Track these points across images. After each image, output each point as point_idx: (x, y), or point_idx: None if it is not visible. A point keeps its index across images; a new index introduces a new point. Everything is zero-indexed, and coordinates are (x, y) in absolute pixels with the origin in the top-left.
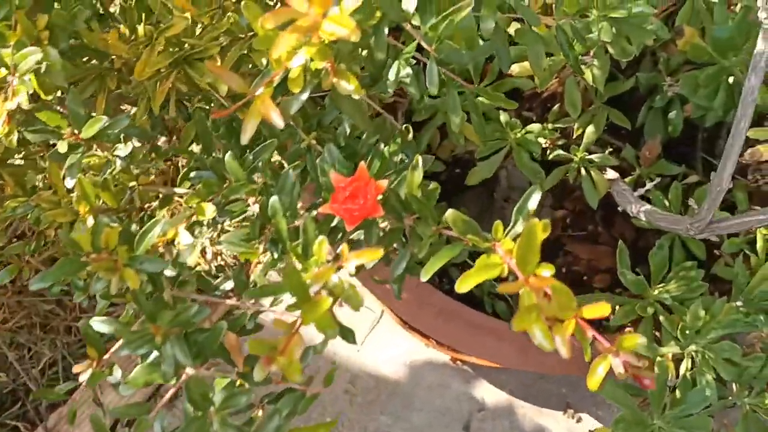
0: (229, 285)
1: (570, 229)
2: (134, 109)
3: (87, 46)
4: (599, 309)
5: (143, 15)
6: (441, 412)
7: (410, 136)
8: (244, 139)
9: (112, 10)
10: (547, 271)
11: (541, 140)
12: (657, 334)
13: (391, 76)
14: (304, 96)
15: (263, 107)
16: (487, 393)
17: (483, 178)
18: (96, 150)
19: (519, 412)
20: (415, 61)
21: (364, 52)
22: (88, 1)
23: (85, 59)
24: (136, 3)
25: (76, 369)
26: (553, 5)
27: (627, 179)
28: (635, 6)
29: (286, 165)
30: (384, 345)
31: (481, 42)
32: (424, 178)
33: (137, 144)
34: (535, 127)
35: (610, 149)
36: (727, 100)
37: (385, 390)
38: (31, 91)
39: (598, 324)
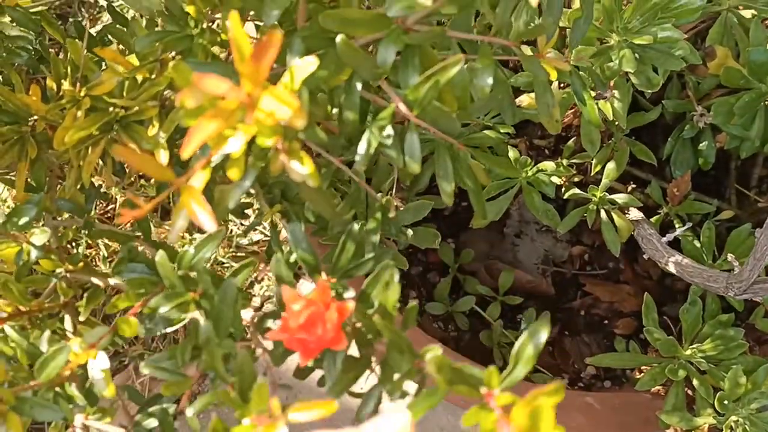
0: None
1: (589, 266)
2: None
3: (1, 106)
4: None
5: (68, 69)
6: None
7: (392, 211)
8: (172, 236)
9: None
10: None
11: (555, 179)
12: (689, 392)
13: (361, 149)
14: (247, 183)
15: (187, 199)
16: None
17: (489, 221)
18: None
19: None
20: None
21: (335, 111)
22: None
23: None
24: (62, 53)
25: None
26: (567, 40)
27: (653, 218)
28: (661, 30)
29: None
30: None
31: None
32: (426, 218)
33: (64, 221)
34: (549, 165)
35: (633, 185)
36: (765, 129)
37: None
38: None
39: (622, 375)
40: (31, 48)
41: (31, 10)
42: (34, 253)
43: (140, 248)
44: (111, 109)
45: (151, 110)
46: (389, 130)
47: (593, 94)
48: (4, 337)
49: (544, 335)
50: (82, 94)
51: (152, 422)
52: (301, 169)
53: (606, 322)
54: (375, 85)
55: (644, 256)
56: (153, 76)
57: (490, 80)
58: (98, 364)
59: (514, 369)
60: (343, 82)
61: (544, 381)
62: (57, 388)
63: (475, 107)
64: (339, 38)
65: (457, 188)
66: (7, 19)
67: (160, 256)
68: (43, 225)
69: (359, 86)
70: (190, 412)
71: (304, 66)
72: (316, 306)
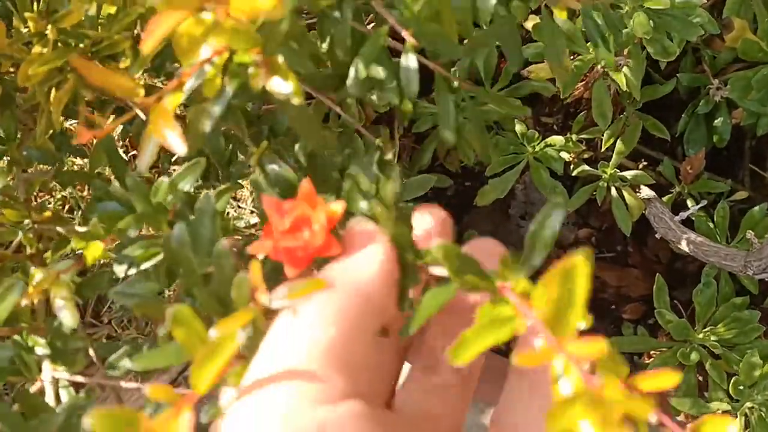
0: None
1: (596, 249)
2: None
3: None
4: (663, 379)
5: (35, 2)
6: None
7: (390, 154)
8: (141, 165)
9: None
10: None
11: (564, 154)
12: (700, 378)
13: (352, 75)
14: (219, 105)
15: (158, 124)
16: None
17: (494, 198)
18: None
19: None
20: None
21: (325, 45)
22: None
23: None
24: None
25: None
26: None
27: (665, 198)
28: None
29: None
30: None
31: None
32: (427, 194)
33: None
34: (557, 139)
35: (644, 162)
36: None
37: None
38: None
39: (630, 360)
40: None
41: None
42: None
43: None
44: (79, 43)
45: (123, 42)
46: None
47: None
48: None
49: (559, 216)
50: (48, 26)
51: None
52: (285, 85)
53: (613, 307)
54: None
55: (656, 236)
56: (127, 7)
57: (492, 2)
58: (60, 294)
59: (531, 255)
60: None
61: None
62: (17, 336)
63: (478, 38)
64: None
65: (459, 169)
66: None
67: (132, 179)
68: (11, 178)
69: (350, 13)
70: (161, 331)
71: None
72: (302, 208)
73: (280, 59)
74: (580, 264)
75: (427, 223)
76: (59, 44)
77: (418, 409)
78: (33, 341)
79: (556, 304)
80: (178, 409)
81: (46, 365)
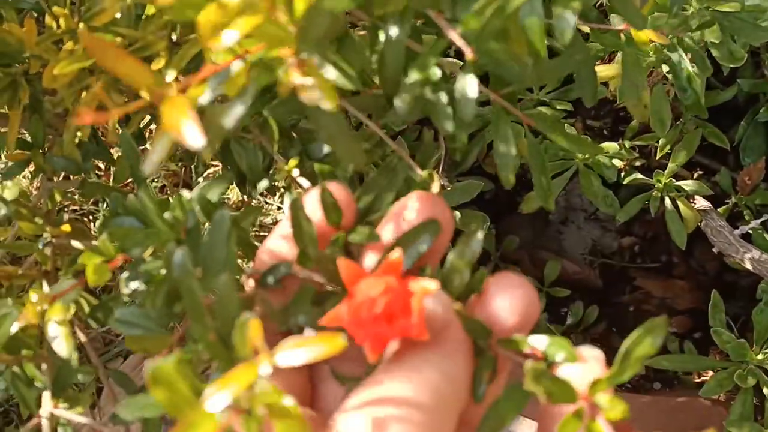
0: None
1: (640, 259)
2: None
3: None
4: None
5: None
6: None
7: (435, 186)
8: (147, 167)
9: None
10: None
11: (616, 161)
12: (756, 402)
13: (399, 103)
14: (243, 103)
15: (172, 113)
16: None
17: (540, 205)
18: None
19: None
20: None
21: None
22: None
23: None
24: None
25: None
26: None
27: (720, 209)
28: None
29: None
30: None
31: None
32: (465, 202)
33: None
34: (611, 145)
35: (699, 172)
36: None
37: None
38: None
39: (674, 377)
40: None
41: None
42: (2, 210)
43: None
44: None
45: (159, 43)
46: (437, 72)
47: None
48: None
49: (660, 338)
50: (80, 24)
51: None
52: (317, 91)
53: None
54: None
55: (714, 250)
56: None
57: (571, 24)
58: (51, 331)
59: (623, 371)
60: (390, 15)
61: None
62: (15, 368)
63: (550, 68)
64: None
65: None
66: None
67: (143, 191)
68: (37, 187)
69: (408, 28)
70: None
71: None
72: (395, 290)
73: (315, 60)
74: None
75: (508, 305)
76: None
77: None
78: (31, 372)
79: None
80: None
81: (47, 397)
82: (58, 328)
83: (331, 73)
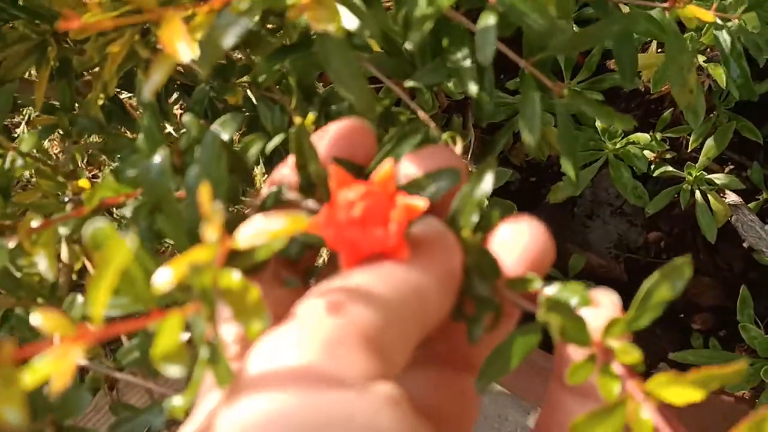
0: None
1: (665, 254)
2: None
3: (18, 2)
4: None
5: None
6: None
7: (457, 147)
8: (146, 91)
9: None
10: None
11: (647, 153)
12: None
13: (409, 43)
14: (247, 18)
15: (168, 31)
16: None
17: (568, 195)
18: None
19: None
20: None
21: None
22: None
23: (11, 24)
24: None
25: None
26: None
27: (750, 204)
28: None
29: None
30: None
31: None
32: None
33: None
34: (642, 136)
35: (731, 166)
36: None
37: None
38: None
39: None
40: None
41: None
42: (19, 161)
43: None
44: None
45: None
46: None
47: (703, 58)
48: None
49: (683, 280)
50: None
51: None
52: (325, 19)
53: (681, 315)
54: None
55: (744, 245)
56: None
57: None
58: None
59: (641, 315)
60: None
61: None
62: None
63: (584, 36)
64: None
65: (524, 163)
66: None
67: (148, 113)
68: (60, 151)
69: None
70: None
71: None
72: (378, 198)
73: None
74: None
75: (522, 242)
76: None
77: (427, 401)
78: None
79: None
80: (69, 344)
81: None
82: (44, 252)
83: (351, 21)
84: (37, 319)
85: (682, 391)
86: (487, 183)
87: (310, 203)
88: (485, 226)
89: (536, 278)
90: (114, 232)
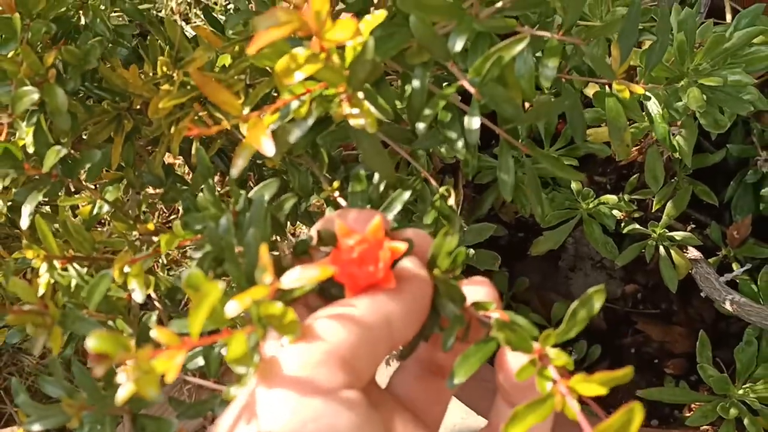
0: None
1: (641, 305)
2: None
3: (102, 85)
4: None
5: (165, 49)
6: None
7: (450, 200)
8: (234, 171)
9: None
10: None
11: (616, 212)
12: None
13: (420, 127)
14: (304, 125)
15: (254, 131)
16: None
17: (548, 249)
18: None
19: None
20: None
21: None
22: (109, 36)
23: (100, 101)
24: (157, 34)
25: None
26: (638, 69)
27: (711, 260)
28: (731, 74)
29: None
30: None
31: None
32: (482, 242)
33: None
34: (611, 198)
35: (693, 225)
36: None
37: None
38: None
39: (670, 414)
40: (130, 44)
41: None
42: (105, 208)
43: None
44: None
45: (238, 84)
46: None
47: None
48: (66, 275)
49: (598, 304)
50: (176, 71)
51: None
52: (361, 117)
53: (656, 361)
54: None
55: (701, 295)
56: (243, 55)
57: (553, 71)
58: (134, 290)
59: (569, 329)
60: (417, 65)
61: (592, 414)
62: (110, 322)
63: (542, 108)
64: (415, 18)
65: (513, 220)
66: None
67: (206, 188)
68: (127, 199)
69: (429, 75)
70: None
71: (372, 18)
72: (369, 243)
73: (360, 95)
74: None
75: (480, 293)
76: (183, 86)
77: (411, 395)
78: (120, 326)
79: None
80: (175, 350)
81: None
82: (136, 281)
83: (371, 106)
84: (154, 333)
85: (592, 387)
86: (454, 239)
87: (326, 249)
88: (454, 266)
89: (492, 303)
90: (203, 277)
